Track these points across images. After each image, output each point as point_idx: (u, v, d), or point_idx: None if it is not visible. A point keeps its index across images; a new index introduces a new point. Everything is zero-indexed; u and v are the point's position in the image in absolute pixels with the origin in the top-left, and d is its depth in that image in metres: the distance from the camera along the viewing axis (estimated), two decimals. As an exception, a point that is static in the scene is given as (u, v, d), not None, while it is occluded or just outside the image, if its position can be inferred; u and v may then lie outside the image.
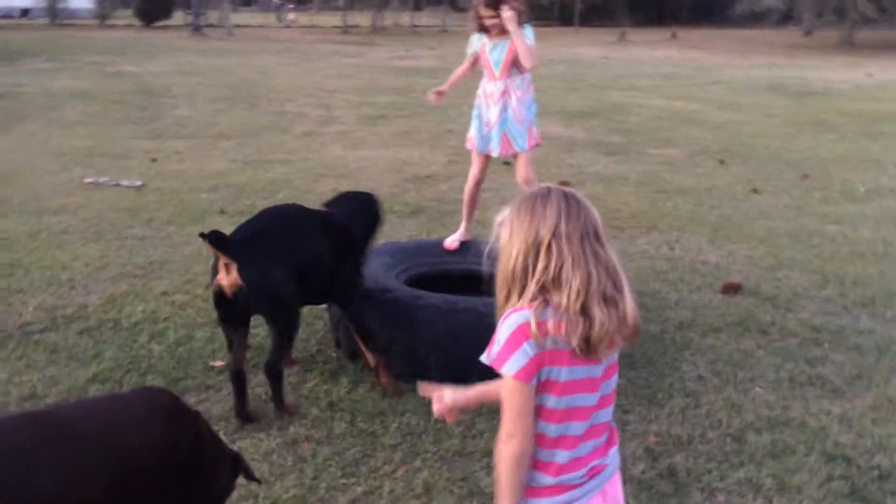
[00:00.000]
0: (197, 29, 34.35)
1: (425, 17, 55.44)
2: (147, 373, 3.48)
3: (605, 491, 1.72)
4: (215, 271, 3.09)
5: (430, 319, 3.40)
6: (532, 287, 1.58)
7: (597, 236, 1.63)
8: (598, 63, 24.17)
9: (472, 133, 4.64)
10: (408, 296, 3.53)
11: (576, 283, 1.54)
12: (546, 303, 1.57)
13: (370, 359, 3.49)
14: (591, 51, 30.29)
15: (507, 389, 1.61)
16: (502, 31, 4.35)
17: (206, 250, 5.15)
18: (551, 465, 1.65)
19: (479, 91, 4.58)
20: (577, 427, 1.64)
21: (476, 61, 4.54)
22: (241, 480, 2.26)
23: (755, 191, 7.66)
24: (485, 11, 4.30)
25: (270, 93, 14.76)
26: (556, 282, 1.56)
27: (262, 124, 11.03)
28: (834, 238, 6.05)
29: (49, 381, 3.38)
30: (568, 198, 1.64)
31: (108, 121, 10.95)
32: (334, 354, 3.76)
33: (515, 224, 1.63)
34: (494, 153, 4.61)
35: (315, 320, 4.15)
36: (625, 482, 2.06)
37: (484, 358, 1.65)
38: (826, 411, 3.35)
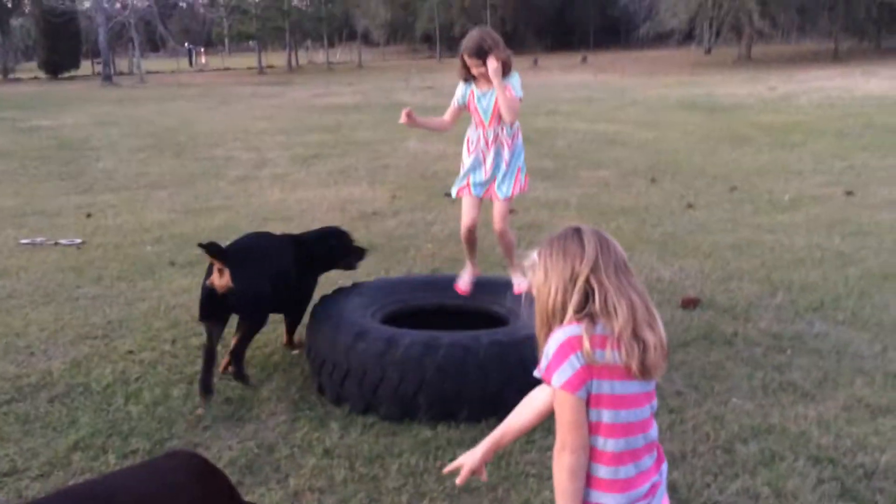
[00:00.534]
0: (107, 78, 33.61)
1: (339, 54, 55.63)
2: (129, 436, 3.37)
3: None
4: (209, 274, 3.76)
5: (417, 357, 3.41)
6: (570, 315, 1.67)
7: (627, 268, 1.73)
8: (516, 90, 24.68)
9: (465, 181, 4.42)
10: (392, 335, 3.54)
11: (623, 311, 1.64)
12: (593, 321, 1.65)
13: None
14: (507, 79, 30.89)
15: (557, 401, 1.69)
16: (490, 80, 4.23)
17: (165, 307, 5.09)
18: (616, 483, 1.72)
19: (470, 138, 4.40)
20: (635, 441, 1.71)
21: (460, 112, 4.41)
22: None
23: (690, 206, 7.96)
24: (471, 61, 4.18)
25: (195, 139, 14.55)
26: (605, 310, 1.64)
27: (194, 171, 10.85)
28: (773, 247, 6.33)
29: (28, 453, 3.24)
30: (598, 234, 1.74)
31: (30, 178, 10.59)
32: (318, 400, 3.72)
33: (549, 264, 1.72)
34: (480, 194, 4.44)
35: (292, 367, 4.11)
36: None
37: (536, 372, 1.72)
38: (803, 416, 3.49)
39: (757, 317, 4.75)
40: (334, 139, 13.85)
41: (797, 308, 4.90)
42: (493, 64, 4.10)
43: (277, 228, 7.09)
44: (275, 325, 4.61)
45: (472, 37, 4.23)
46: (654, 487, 1.76)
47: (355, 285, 4.40)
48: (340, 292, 4.22)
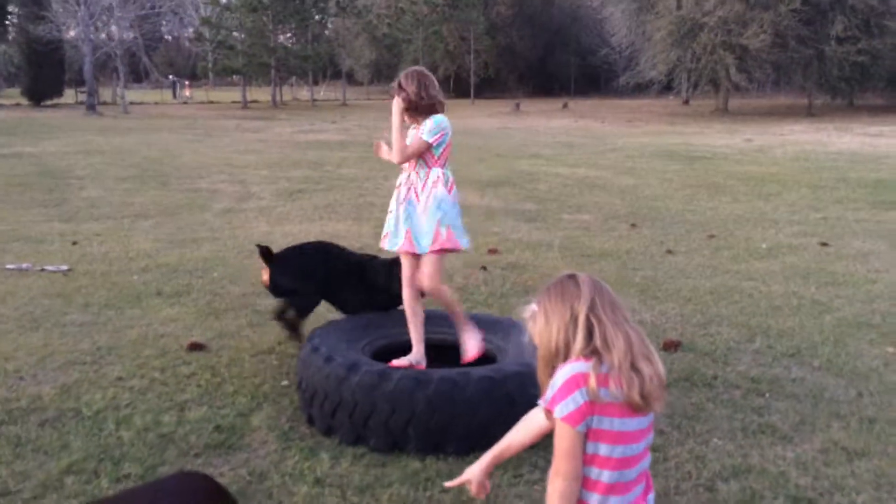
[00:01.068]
0: (91, 107, 33.62)
1: (324, 91, 56.10)
2: (121, 461, 3.40)
3: None
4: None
5: (408, 391, 3.48)
6: (574, 352, 1.78)
7: (620, 306, 1.87)
8: (498, 133, 25.07)
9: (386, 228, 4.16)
10: (384, 368, 3.61)
11: (620, 344, 1.77)
12: (600, 360, 1.76)
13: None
14: (489, 122, 31.41)
15: (557, 432, 1.80)
16: (413, 118, 4.04)
17: (153, 335, 5.13)
18: None
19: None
20: (629, 474, 1.82)
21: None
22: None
23: (670, 251, 8.13)
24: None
25: (179, 170, 14.61)
26: (605, 345, 1.77)
27: (179, 203, 10.90)
28: (751, 294, 6.50)
29: (19, 475, 3.25)
30: (591, 278, 1.89)
31: (13, 204, 10.57)
32: (308, 431, 3.76)
33: (549, 308, 1.86)
34: (393, 248, 4.10)
35: (281, 397, 4.15)
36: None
37: (540, 402, 1.82)
38: (782, 457, 3.60)
39: (736, 361, 4.88)
40: (319, 175, 13.97)
41: (775, 353, 5.03)
42: (394, 102, 3.97)
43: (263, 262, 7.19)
44: (263, 357, 4.67)
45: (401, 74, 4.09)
46: None
47: (346, 319, 4.47)
48: (331, 325, 4.29)
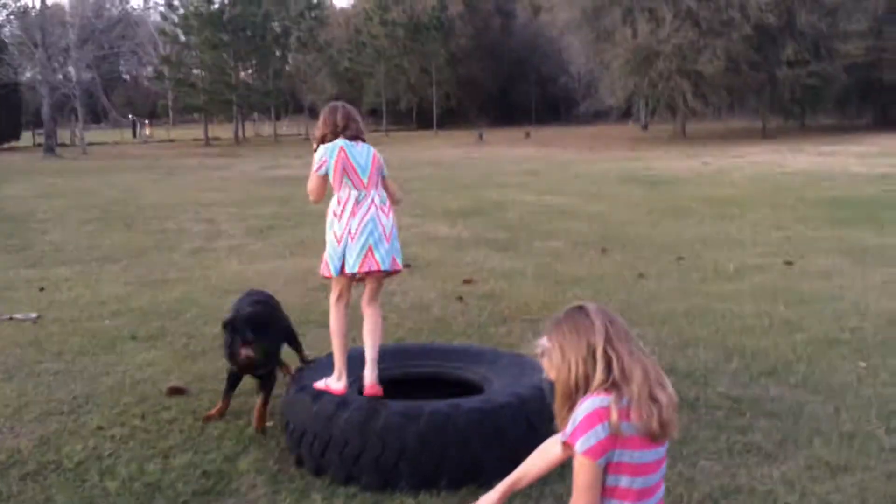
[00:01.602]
0: (50, 149, 33.19)
1: (286, 127, 56.07)
2: (108, 513, 3.33)
3: None
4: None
5: (398, 426, 3.48)
6: (594, 386, 1.79)
7: (631, 337, 1.89)
8: (463, 163, 25.26)
9: None
10: (373, 404, 3.60)
11: (638, 375, 1.78)
12: (620, 394, 1.78)
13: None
14: (453, 152, 31.64)
15: (577, 465, 1.80)
16: None
17: (130, 381, 5.05)
18: None
19: None
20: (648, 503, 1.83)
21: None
22: None
23: (641, 275, 8.24)
24: None
25: (144, 211, 14.46)
26: (623, 377, 1.78)
27: (146, 244, 10.78)
28: (724, 315, 6.60)
29: (3, 533, 3.18)
30: (601, 308, 1.90)
31: (-24, 251, 10.37)
32: (297, 472, 3.73)
33: (564, 343, 1.87)
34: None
35: (268, 440, 4.11)
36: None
37: (560, 435, 1.83)
38: (768, 475, 3.65)
39: (715, 381, 4.95)
40: (288, 211, 13.93)
41: (752, 373, 5.12)
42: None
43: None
44: (246, 398, 4.62)
45: None
46: None
47: (329, 356, 4.45)
48: (315, 363, 4.27)
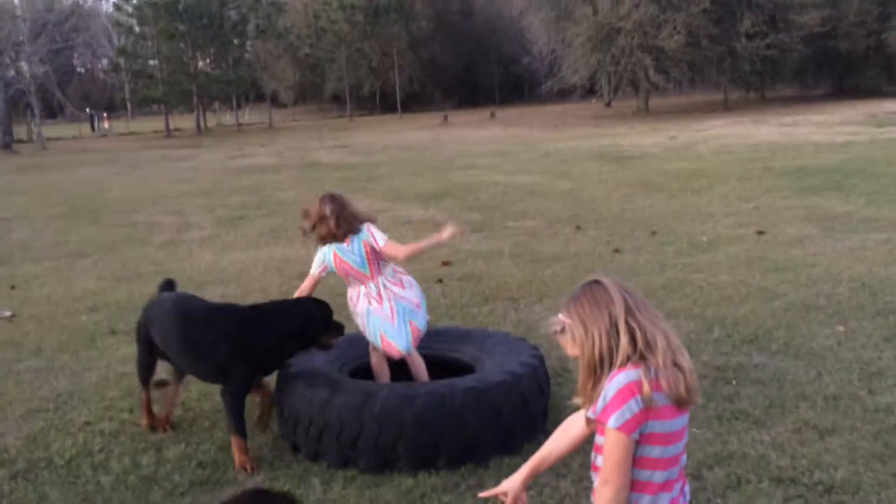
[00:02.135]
0: (6, 146, 32.48)
1: (248, 115, 55.37)
2: (105, 508, 3.30)
3: None
4: None
5: (395, 408, 3.48)
6: (619, 359, 1.80)
7: (648, 305, 1.89)
8: (431, 146, 25.17)
9: None
10: (368, 387, 3.60)
11: (661, 343, 1.80)
12: (648, 364, 1.79)
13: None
14: (419, 135, 31.50)
15: (610, 441, 1.80)
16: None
17: (114, 375, 4.98)
18: None
19: None
20: (675, 472, 1.87)
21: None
22: None
23: (617, 251, 8.31)
24: None
25: (110, 205, 14.23)
26: (648, 347, 1.79)
27: (116, 238, 10.61)
28: (701, 286, 6.69)
29: (0, 534, 3.13)
30: (616, 280, 1.90)
31: (-60, 251, 10.12)
32: (294, 458, 3.72)
33: (585, 317, 1.85)
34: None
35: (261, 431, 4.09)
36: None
37: (590, 413, 1.83)
38: (759, 441, 3.72)
39: (699, 351, 5.02)
40: (257, 200, 13.79)
41: (734, 342, 5.20)
42: None
43: (218, 291, 7.09)
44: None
45: None
46: None
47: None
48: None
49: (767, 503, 3.16)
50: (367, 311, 4.10)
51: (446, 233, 4.05)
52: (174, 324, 3.91)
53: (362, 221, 4.15)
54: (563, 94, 46.71)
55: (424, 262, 8.06)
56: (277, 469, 3.62)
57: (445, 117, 40.98)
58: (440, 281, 7.18)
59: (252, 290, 7.18)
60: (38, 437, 4.06)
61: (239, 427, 3.67)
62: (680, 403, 1.82)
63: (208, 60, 48.64)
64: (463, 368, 4.19)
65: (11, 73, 38.94)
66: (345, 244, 4.10)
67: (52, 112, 67.17)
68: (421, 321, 4.11)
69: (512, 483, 2.12)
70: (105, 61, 60.76)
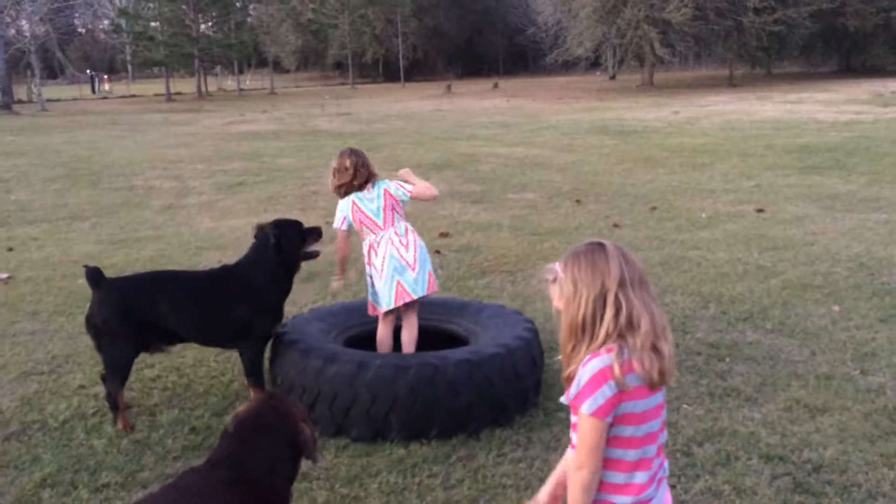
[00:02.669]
0: (6, 107, 32.23)
1: (250, 80, 54.99)
2: (97, 470, 3.32)
3: (665, 500, 1.96)
4: None
5: (388, 378, 3.49)
6: (602, 333, 1.78)
7: (646, 282, 1.86)
8: (433, 116, 25.03)
9: None
10: (362, 357, 3.60)
11: (645, 325, 1.77)
12: (622, 347, 1.78)
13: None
14: (422, 104, 31.31)
15: (584, 426, 1.80)
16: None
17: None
18: (632, 487, 1.87)
19: None
20: (651, 450, 1.86)
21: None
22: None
23: (616, 225, 8.29)
24: None
25: (110, 168, 14.16)
26: (630, 326, 1.77)
27: (115, 201, 10.58)
28: (699, 262, 6.68)
29: (-7, 494, 3.15)
30: (620, 250, 1.86)
31: (-62, 211, 10.10)
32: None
33: (578, 277, 1.82)
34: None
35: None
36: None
37: (563, 399, 1.83)
38: (749, 418, 3.74)
39: (694, 328, 5.03)
40: (257, 166, 13.73)
41: (729, 319, 5.21)
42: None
43: (214, 257, 7.09)
44: (230, 354, 4.59)
45: None
46: (658, 483, 1.92)
47: (313, 311, 4.45)
48: (299, 318, 4.26)
49: (755, 480, 3.18)
50: (391, 255, 4.13)
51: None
52: (183, 297, 3.88)
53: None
54: (568, 66, 46.38)
55: (422, 233, 8.05)
56: (270, 436, 3.63)
57: (448, 87, 40.72)
58: (437, 252, 7.17)
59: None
60: (33, 400, 4.08)
61: (262, 382, 3.88)
62: (651, 385, 1.82)
63: (210, 23, 48.13)
64: (458, 340, 4.20)
65: (12, 32, 38.59)
66: (365, 191, 4.20)
67: (52, 73, 66.72)
68: (412, 284, 4.08)
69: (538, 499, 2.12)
70: (106, 22, 60.19)
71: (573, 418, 1.89)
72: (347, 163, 4.20)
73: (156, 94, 45.52)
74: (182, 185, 11.94)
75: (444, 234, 7.96)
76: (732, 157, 13.43)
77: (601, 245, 1.87)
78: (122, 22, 45.18)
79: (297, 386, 3.63)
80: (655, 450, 1.89)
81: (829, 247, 7.04)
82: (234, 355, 4.50)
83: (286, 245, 3.98)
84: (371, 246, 4.18)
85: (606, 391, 1.78)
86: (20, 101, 38.48)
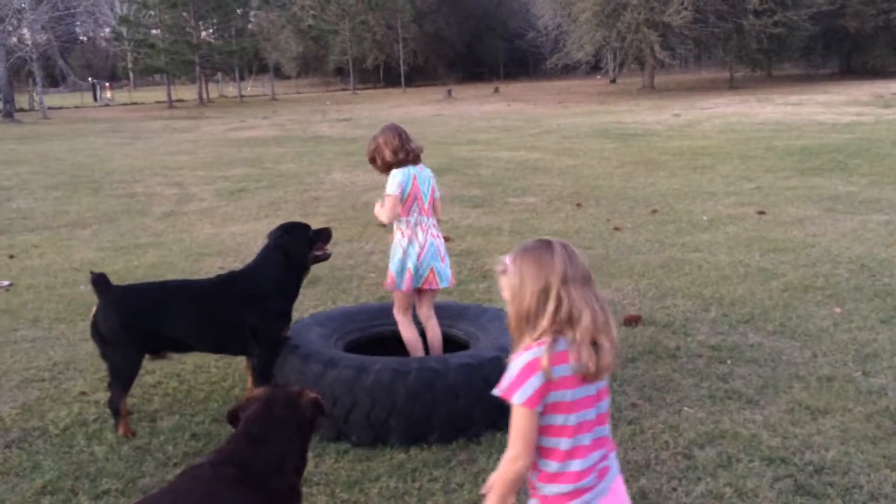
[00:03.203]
0: (8, 115, 32.32)
1: (251, 87, 55.11)
2: (98, 477, 3.31)
3: (613, 489, 2.01)
4: None
5: (388, 382, 3.49)
6: (543, 325, 1.88)
7: (589, 280, 1.93)
8: (433, 121, 25.06)
9: None
10: (362, 362, 3.60)
11: (586, 320, 1.86)
12: (556, 339, 1.83)
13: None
14: (422, 109, 31.36)
15: (516, 416, 1.89)
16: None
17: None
18: (568, 475, 1.94)
19: None
20: (585, 439, 1.94)
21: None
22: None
23: (617, 229, 8.29)
24: None
25: (111, 175, 14.19)
26: (569, 321, 1.85)
27: (116, 209, 10.60)
28: (700, 265, 6.68)
29: (-7, 502, 3.15)
30: (566, 248, 1.93)
31: (-60, 219, 10.12)
32: (286, 432, 3.73)
33: (524, 271, 1.92)
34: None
35: (254, 401, 4.10)
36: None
37: (495, 390, 1.89)
38: (751, 420, 3.73)
39: (695, 331, 5.02)
40: (258, 173, 13.75)
41: (730, 321, 5.20)
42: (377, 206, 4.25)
43: (216, 264, 7.10)
44: (231, 360, 4.60)
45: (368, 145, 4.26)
46: (601, 473, 1.98)
47: (313, 316, 4.45)
48: (299, 323, 4.26)
49: (757, 482, 3.17)
50: (431, 243, 4.15)
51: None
52: (189, 304, 3.85)
53: None
54: (568, 70, 46.47)
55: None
56: (270, 441, 3.63)
57: (449, 92, 40.78)
58: (438, 256, 7.16)
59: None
60: (34, 407, 4.08)
61: None
62: (586, 377, 1.89)
63: (211, 30, 48.30)
64: (458, 344, 4.19)
65: (13, 40, 38.68)
66: (419, 167, 4.17)
67: (54, 81, 66.89)
68: (441, 273, 4.14)
69: None
70: (107, 30, 60.31)
71: None
72: (401, 141, 4.16)
73: (157, 102, 45.66)
74: (183, 191, 11.95)
75: (445, 238, 7.91)
76: (733, 159, 13.43)
77: (548, 242, 1.96)
78: (124, 30, 45.34)
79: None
80: (589, 440, 1.95)
81: (831, 248, 7.04)
82: (235, 361, 4.51)
83: (293, 249, 3.96)
84: (419, 223, 4.14)
85: (535, 381, 1.86)
86: (22, 110, 38.61)
